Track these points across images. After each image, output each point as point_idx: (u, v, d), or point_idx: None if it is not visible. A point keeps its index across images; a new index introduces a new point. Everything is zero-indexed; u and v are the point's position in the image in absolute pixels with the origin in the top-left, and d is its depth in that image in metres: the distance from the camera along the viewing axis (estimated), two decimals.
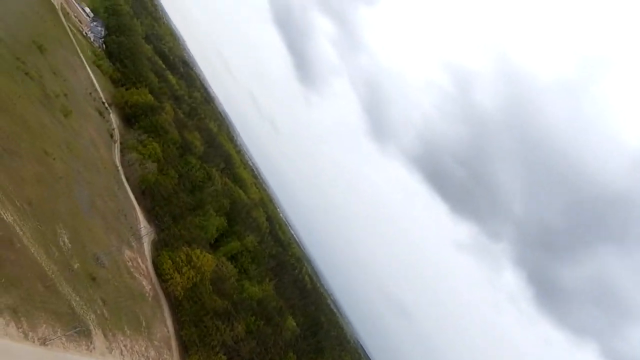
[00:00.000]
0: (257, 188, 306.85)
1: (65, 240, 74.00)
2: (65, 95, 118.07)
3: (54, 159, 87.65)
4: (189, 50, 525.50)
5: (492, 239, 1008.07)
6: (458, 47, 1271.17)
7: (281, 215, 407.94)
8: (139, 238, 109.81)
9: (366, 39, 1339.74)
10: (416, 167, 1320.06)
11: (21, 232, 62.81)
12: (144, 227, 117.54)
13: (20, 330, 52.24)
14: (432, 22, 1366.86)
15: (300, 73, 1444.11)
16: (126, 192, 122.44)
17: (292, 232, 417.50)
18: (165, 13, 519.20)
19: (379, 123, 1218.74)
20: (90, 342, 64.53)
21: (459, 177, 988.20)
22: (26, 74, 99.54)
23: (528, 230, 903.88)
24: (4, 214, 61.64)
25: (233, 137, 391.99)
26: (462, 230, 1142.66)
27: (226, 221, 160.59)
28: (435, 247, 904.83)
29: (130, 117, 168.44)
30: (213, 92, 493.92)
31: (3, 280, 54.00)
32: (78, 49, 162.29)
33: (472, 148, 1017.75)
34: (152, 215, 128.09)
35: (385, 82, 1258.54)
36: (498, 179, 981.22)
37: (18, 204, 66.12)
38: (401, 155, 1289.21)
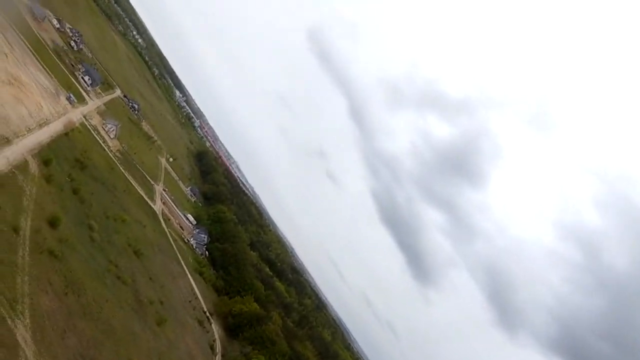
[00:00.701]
0: None
1: None
2: (161, 302, 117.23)
3: None
4: (297, 256, 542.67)
5: None
6: (575, 209, 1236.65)
7: None
8: None
9: (478, 223, 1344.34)
10: (554, 351, 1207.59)
11: None
12: None
13: None
14: (543, 191, 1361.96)
15: (415, 269, 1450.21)
16: None
17: None
18: (272, 221, 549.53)
19: (505, 310, 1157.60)
20: None
21: (605, 353, 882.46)
22: (118, 277, 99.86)
23: None
24: None
25: (349, 344, 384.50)
26: None
27: None
28: None
29: (234, 327, 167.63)
30: (325, 298, 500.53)
31: None
32: (179, 255, 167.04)
33: (613, 317, 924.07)
34: None
35: (506, 264, 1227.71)
36: None
37: None
38: (535, 341, 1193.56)
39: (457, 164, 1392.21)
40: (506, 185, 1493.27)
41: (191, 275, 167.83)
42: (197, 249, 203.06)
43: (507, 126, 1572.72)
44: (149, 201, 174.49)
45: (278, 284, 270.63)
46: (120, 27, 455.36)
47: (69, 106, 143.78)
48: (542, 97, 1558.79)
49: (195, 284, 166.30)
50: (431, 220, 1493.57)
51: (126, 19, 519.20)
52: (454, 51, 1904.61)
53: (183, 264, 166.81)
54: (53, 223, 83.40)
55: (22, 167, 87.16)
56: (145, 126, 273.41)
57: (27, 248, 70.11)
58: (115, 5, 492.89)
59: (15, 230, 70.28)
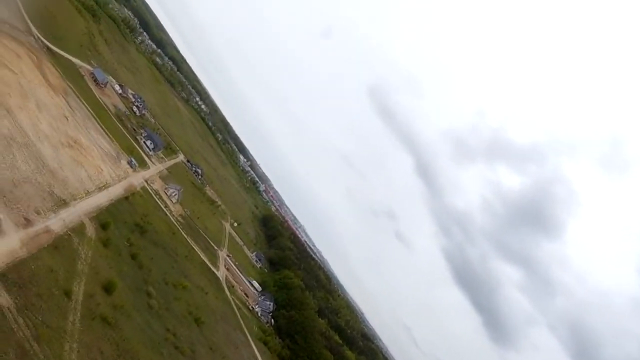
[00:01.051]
0: None
1: None
2: None
3: None
4: (368, 322, 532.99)
5: None
6: None
7: None
8: None
9: (557, 276, 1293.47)
10: None
11: None
12: None
13: None
14: (623, 236, 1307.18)
15: (492, 330, 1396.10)
16: None
17: None
18: (341, 286, 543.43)
19: None
20: None
21: None
22: (176, 347, 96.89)
23: None
24: None
25: None
26: None
27: None
28: None
29: None
30: None
31: None
32: (242, 323, 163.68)
33: None
34: None
35: (588, 318, 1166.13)
36: None
37: None
38: None
39: (531, 215, 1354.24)
40: (584, 233, 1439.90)
41: (255, 344, 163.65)
42: (262, 317, 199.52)
43: (580, 170, 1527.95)
44: (211, 267, 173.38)
45: (348, 352, 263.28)
46: (183, 94, 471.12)
47: (130, 170, 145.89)
48: (613, 136, 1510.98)
49: (260, 354, 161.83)
50: (507, 277, 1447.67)
51: (189, 86, 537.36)
52: (518, 97, 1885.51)
53: (247, 332, 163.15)
54: (108, 288, 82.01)
55: (78, 229, 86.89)
56: (209, 191, 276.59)
57: (79, 314, 68.36)
58: (178, 73, 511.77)
59: (67, 294, 68.80)
